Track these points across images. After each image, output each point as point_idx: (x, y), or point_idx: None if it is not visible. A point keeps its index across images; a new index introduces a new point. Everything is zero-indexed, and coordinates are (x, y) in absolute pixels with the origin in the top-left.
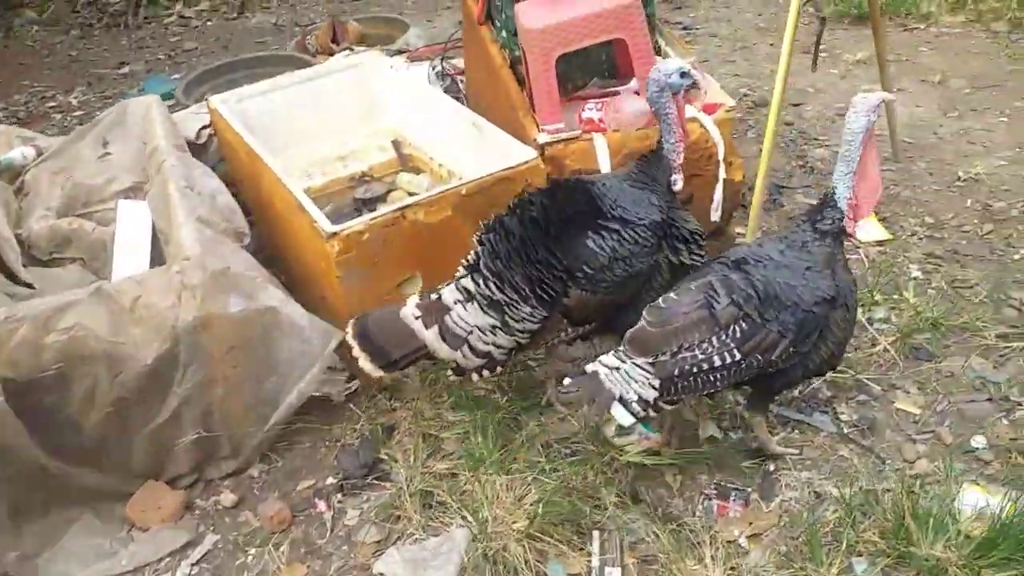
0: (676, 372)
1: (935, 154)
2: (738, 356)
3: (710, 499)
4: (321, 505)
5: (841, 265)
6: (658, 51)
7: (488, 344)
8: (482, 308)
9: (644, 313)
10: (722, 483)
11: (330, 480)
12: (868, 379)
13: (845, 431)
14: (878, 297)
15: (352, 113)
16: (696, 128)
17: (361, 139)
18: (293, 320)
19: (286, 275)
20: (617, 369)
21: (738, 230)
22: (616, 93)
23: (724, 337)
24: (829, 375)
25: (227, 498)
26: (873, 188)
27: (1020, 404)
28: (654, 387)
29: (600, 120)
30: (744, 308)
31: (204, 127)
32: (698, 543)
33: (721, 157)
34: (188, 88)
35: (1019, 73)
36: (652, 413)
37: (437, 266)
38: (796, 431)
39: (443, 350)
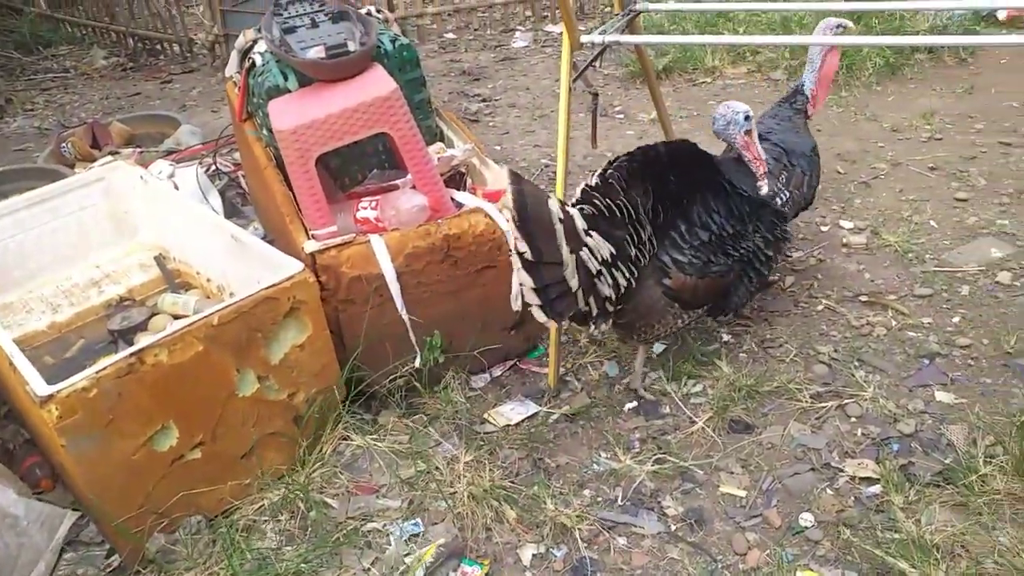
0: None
1: None
2: (787, 194)
3: None
4: None
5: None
6: (440, 137)
7: (608, 286)
8: (605, 233)
9: None
10: None
11: None
12: (691, 464)
13: (672, 528)
14: (691, 368)
15: (104, 231)
16: (482, 218)
17: (117, 259)
18: (3, 510)
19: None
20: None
21: None
22: (395, 187)
23: (779, 183)
24: (651, 466)
25: None
26: (826, 86)
27: (841, 470)
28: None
29: (377, 219)
30: (781, 161)
31: None
32: None
33: (513, 245)
34: None
35: None
36: None
37: (195, 411)
38: (622, 536)
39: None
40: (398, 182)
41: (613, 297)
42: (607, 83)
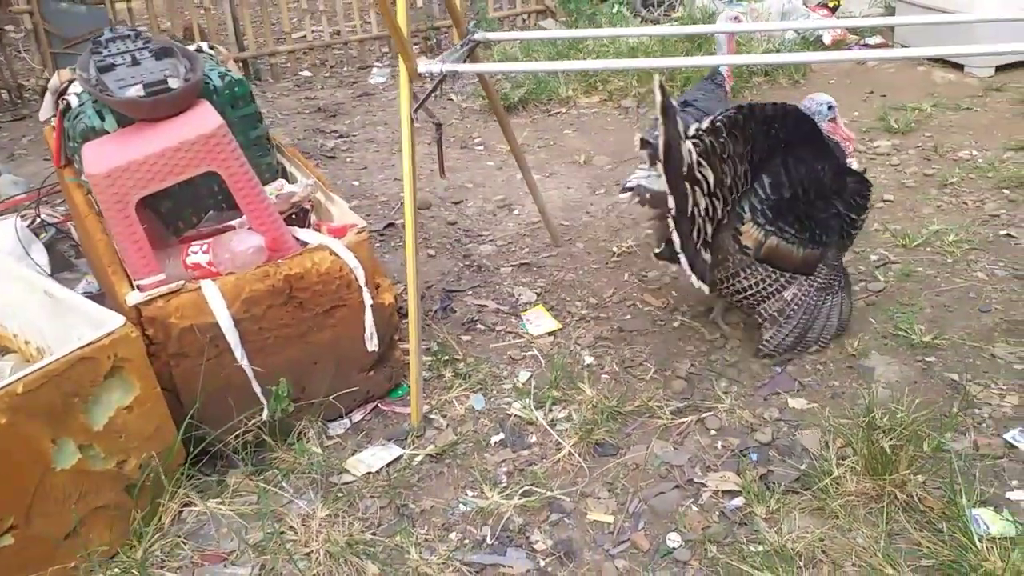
0: None
1: (590, 233)
2: None
3: None
4: None
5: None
6: (283, 173)
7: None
8: (710, 164)
9: None
10: None
11: None
12: (558, 494)
13: (542, 564)
14: (556, 394)
15: None
16: (327, 256)
17: None
18: None
19: None
20: None
21: (403, 345)
22: (231, 228)
23: None
24: (518, 500)
25: None
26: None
27: (704, 485)
28: None
29: (210, 263)
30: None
31: None
32: None
33: (363, 282)
34: None
35: None
36: None
37: (3, 491)
38: None
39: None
40: (235, 223)
41: (710, 231)
42: (466, 115)
